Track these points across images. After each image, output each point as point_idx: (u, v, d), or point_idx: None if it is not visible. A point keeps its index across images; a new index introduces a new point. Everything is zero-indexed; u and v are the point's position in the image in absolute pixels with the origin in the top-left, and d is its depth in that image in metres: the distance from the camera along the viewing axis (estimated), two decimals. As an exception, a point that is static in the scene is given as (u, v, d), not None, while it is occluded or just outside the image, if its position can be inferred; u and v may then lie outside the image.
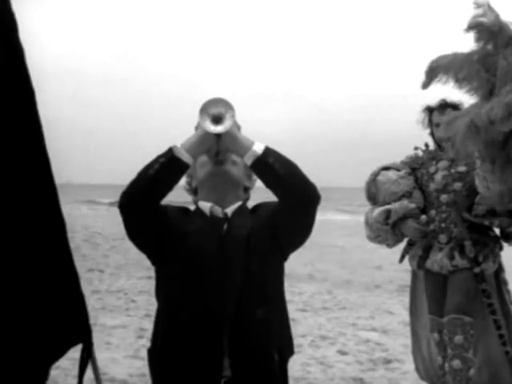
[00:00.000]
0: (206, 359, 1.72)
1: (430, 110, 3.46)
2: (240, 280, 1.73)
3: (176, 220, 1.82)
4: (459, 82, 2.59)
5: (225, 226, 1.81)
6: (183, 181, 1.92)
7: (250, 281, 1.73)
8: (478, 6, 2.52)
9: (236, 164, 1.86)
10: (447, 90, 2.96)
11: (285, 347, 1.83)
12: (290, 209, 1.74)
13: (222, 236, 1.79)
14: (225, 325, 1.71)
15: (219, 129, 1.70)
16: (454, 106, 3.33)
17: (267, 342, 1.75)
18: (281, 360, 1.80)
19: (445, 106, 3.38)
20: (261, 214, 1.86)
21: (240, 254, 1.74)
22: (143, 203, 1.72)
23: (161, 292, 1.86)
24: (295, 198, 1.72)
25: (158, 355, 1.80)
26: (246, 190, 1.96)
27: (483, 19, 2.51)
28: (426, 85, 2.73)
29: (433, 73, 2.66)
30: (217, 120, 1.71)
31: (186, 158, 1.72)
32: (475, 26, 2.52)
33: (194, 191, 1.96)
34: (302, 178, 1.74)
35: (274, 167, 1.69)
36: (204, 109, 1.72)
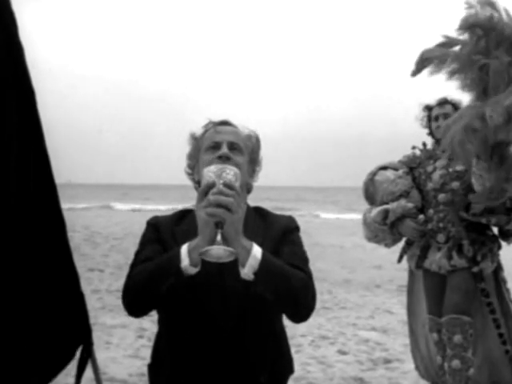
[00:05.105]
0: (210, 374, 1.73)
1: (429, 109, 3.46)
2: (239, 303, 1.72)
3: (175, 243, 1.73)
4: (451, 76, 2.60)
5: None
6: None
7: (249, 303, 1.72)
8: (470, 6, 2.53)
9: (240, 166, 1.74)
10: (445, 91, 2.97)
11: (283, 366, 1.85)
12: (285, 315, 1.77)
13: None
14: (226, 341, 1.72)
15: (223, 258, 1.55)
16: (454, 104, 3.34)
17: (259, 364, 1.75)
18: (276, 381, 1.81)
19: (445, 102, 3.38)
20: (269, 235, 1.78)
21: (239, 278, 1.68)
22: (151, 309, 1.75)
23: (160, 307, 1.83)
24: (288, 316, 1.75)
25: (162, 371, 1.80)
26: (249, 190, 1.88)
27: (475, 19, 2.51)
28: (415, 73, 2.74)
29: (424, 63, 2.66)
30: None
31: (194, 271, 1.65)
32: (467, 27, 2.53)
33: (197, 183, 1.86)
34: (294, 300, 1.69)
35: (264, 294, 1.65)
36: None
